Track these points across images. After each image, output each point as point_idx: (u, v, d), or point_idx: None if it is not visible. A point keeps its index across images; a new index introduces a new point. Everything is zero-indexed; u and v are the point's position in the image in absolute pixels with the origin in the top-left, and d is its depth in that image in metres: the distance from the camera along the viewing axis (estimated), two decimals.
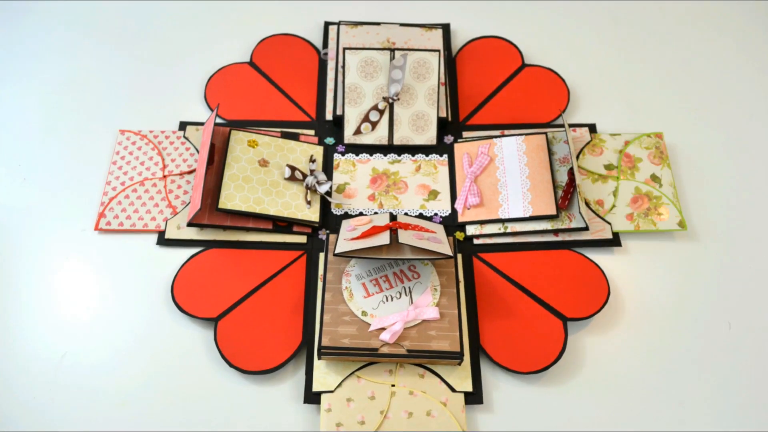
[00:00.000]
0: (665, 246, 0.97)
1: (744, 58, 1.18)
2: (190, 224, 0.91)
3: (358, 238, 0.85)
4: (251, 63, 1.12)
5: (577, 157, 1.01)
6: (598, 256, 0.94)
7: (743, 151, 1.07)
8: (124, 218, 0.94)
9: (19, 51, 1.14)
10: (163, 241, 0.94)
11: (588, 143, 1.03)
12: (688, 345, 0.89)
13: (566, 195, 0.95)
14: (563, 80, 1.11)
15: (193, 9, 1.21)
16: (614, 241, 0.95)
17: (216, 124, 1.00)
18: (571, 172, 0.97)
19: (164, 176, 0.97)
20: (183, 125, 1.04)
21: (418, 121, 1.02)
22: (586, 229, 0.92)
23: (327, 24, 1.17)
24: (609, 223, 0.96)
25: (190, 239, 0.93)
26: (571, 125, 1.06)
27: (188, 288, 0.89)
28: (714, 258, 0.96)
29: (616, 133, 1.04)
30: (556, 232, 0.95)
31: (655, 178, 0.99)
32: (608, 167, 1.00)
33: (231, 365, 0.83)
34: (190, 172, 0.98)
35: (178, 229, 0.94)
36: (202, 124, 1.04)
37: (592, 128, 1.06)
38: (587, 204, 0.97)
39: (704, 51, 1.19)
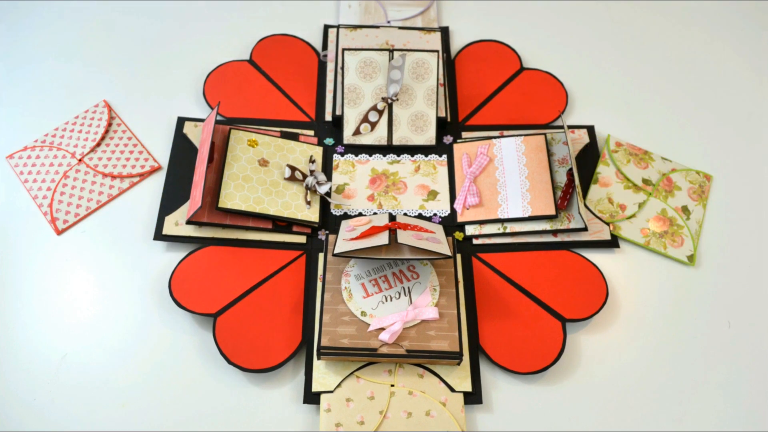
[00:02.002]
0: None
1: (743, 57, 1.19)
2: (189, 222, 0.91)
3: (357, 238, 0.85)
4: (251, 61, 1.12)
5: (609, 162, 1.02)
6: (597, 257, 0.95)
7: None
8: (75, 208, 0.96)
9: (17, 48, 1.14)
10: (161, 236, 0.93)
11: (618, 152, 1.03)
12: (687, 345, 0.89)
13: (565, 195, 0.95)
14: (561, 83, 1.11)
15: (193, 6, 1.21)
16: (612, 242, 0.95)
17: (215, 122, 1.00)
18: (570, 173, 0.97)
19: (80, 160, 0.99)
20: (180, 121, 1.04)
21: (417, 121, 1.02)
22: (585, 229, 0.92)
23: (326, 27, 1.18)
24: (607, 224, 0.96)
25: (188, 236, 0.93)
26: (569, 127, 1.06)
27: (186, 284, 0.89)
28: (713, 257, 0.96)
29: (668, 159, 1.04)
30: (555, 232, 0.95)
31: (685, 210, 0.98)
32: (646, 181, 1.00)
33: (230, 362, 0.83)
34: (99, 144, 1.01)
35: (176, 226, 0.94)
36: (199, 120, 1.04)
37: (590, 130, 1.06)
38: (586, 205, 0.98)
39: (701, 52, 1.20)
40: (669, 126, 1.10)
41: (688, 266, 0.95)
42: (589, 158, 1.03)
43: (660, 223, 0.96)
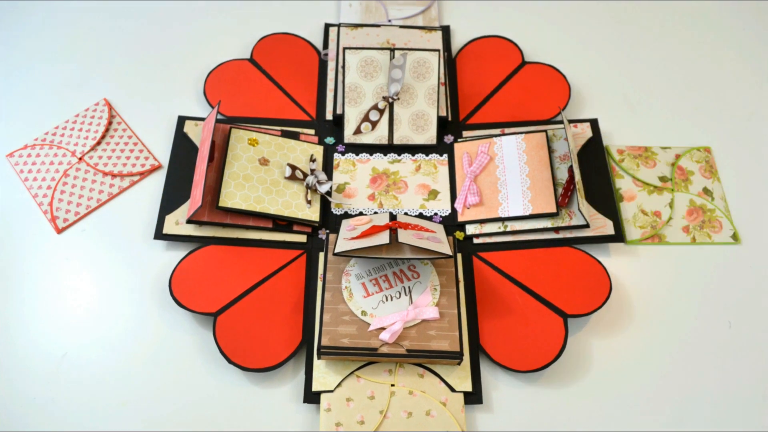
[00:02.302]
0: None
1: (743, 55, 1.18)
2: (189, 221, 0.91)
3: (357, 237, 0.85)
4: (251, 60, 1.12)
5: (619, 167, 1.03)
6: (600, 253, 0.94)
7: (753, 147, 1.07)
8: (75, 206, 0.96)
9: (18, 47, 1.14)
10: (161, 235, 0.93)
11: (639, 155, 1.04)
12: (688, 343, 0.89)
13: (566, 192, 0.95)
14: (564, 76, 1.10)
15: (194, 5, 1.21)
16: (617, 237, 0.95)
17: (216, 121, 0.99)
18: (570, 170, 0.97)
19: (80, 158, 0.99)
20: (181, 120, 1.04)
21: (418, 120, 1.02)
22: (587, 226, 0.92)
23: (327, 26, 1.18)
24: (611, 220, 0.95)
25: (189, 235, 0.93)
26: (572, 121, 1.06)
27: (186, 283, 0.89)
28: (714, 255, 0.96)
29: (667, 147, 1.05)
30: (556, 229, 0.94)
31: (707, 191, 1.00)
32: (662, 179, 1.01)
33: (230, 361, 0.83)
34: (99, 142, 1.01)
35: (177, 225, 0.94)
36: (200, 118, 1.04)
37: (594, 123, 1.05)
38: (586, 202, 0.97)
39: (704, 46, 1.19)
40: (674, 116, 1.10)
41: (688, 261, 0.95)
42: (591, 152, 1.02)
43: (694, 215, 0.98)
